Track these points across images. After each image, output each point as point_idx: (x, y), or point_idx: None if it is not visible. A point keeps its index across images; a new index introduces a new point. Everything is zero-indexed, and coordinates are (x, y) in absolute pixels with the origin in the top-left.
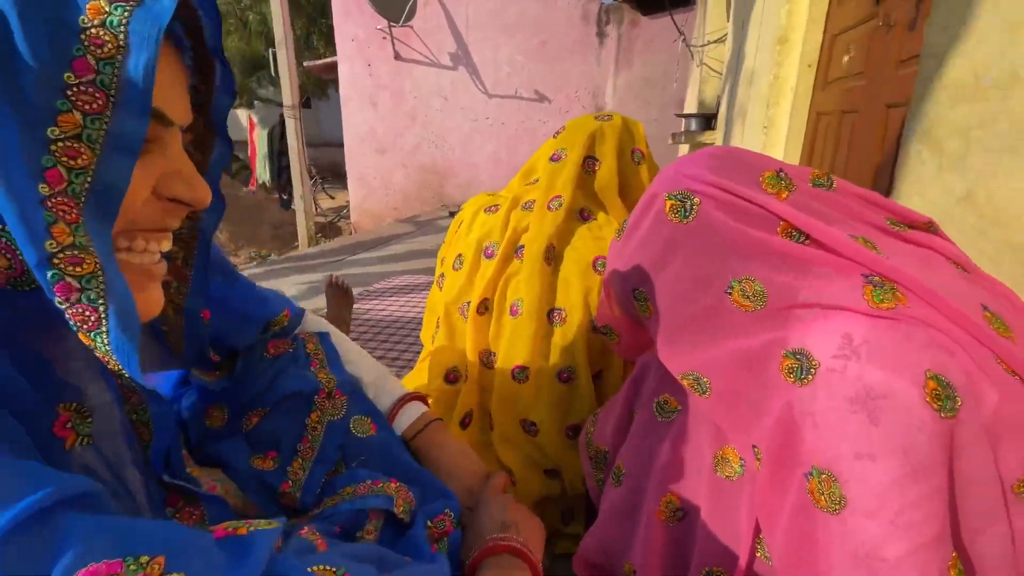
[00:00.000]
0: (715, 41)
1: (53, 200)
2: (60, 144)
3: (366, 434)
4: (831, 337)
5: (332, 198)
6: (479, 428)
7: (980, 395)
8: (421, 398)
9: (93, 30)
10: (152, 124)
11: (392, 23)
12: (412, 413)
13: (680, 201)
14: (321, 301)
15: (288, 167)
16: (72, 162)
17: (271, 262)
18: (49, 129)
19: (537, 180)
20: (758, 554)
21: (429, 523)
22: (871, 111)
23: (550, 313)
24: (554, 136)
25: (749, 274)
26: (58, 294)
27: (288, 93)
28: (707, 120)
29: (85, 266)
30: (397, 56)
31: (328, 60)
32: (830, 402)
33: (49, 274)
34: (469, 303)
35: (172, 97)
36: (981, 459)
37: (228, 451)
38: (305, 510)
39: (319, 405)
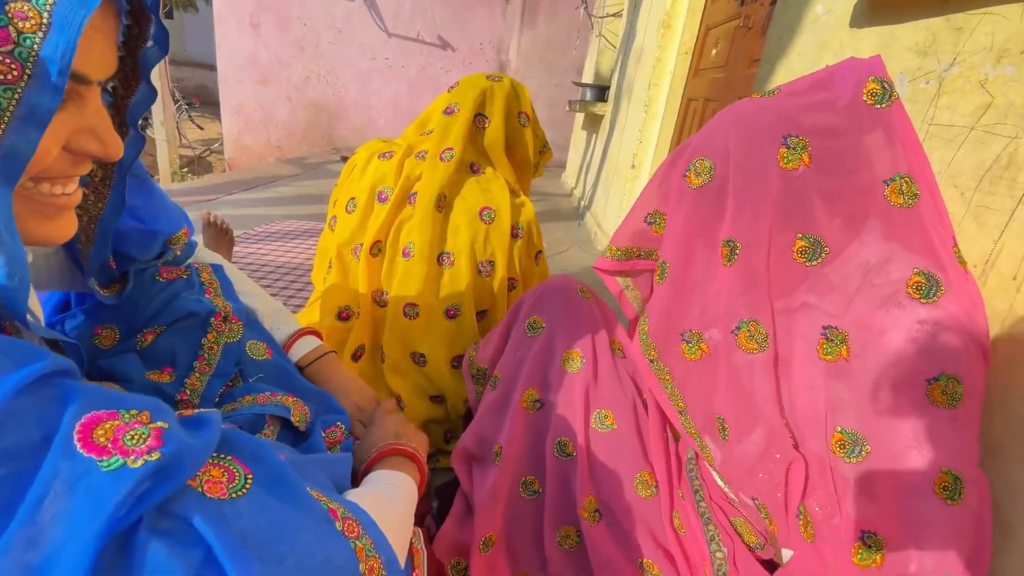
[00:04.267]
0: (613, 15)
1: None
2: None
3: (261, 357)
4: (964, 299)
5: (201, 128)
6: (370, 361)
7: None
8: (316, 333)
9: (18, 4)
10: (72, 83)
11: None
12: (307, 345)
13: (884, 88)
14: None
15: None
16: None
17: None
18: None
19: (431, 131)
20: (592, 425)
21: (323, 432)
22: (727, 102)
23: (440, 256)
24: (449, 90)
25: (911, 174)
26: None
27: None
28: (601, 91)
29: None
30: None
31: None
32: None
33: None
34: (362, 244)
35: (96, 56)
36: None
37: (122, 364)
38: None
39: (215, 327)
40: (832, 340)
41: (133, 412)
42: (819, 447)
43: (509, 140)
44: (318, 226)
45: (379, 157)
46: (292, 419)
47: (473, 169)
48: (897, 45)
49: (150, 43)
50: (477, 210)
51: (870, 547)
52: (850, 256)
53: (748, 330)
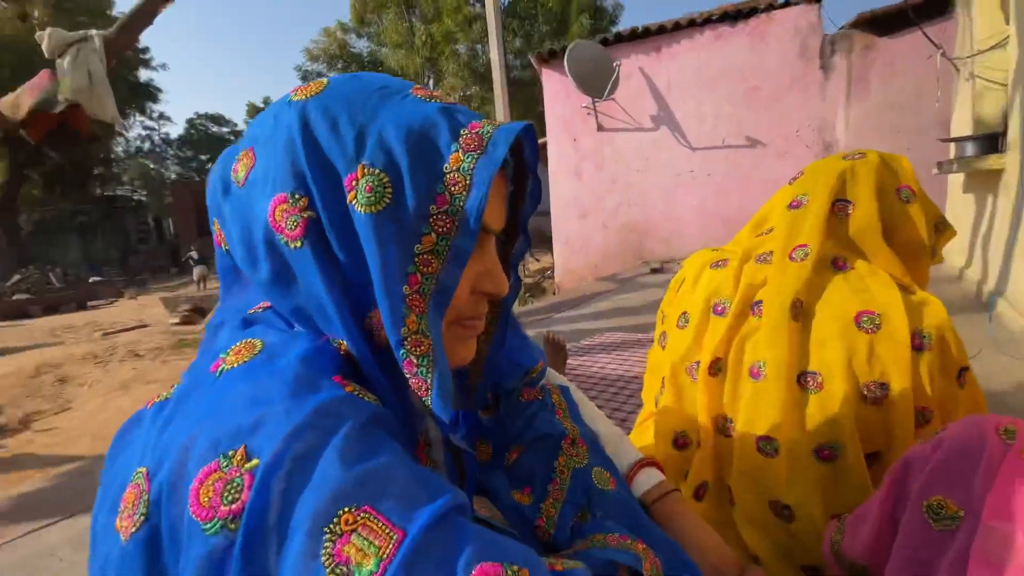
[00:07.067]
0: (989, 48)
1: (411, 297)
2: (420, 256)
3: (606, 487)
4: None
5: (538, 260)
6: (716, 503)
7: None
8: (656, 464)
9: (452, 174)
10: (480, 233)
11: (596, 99)
12: (650, 479)
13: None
14: None
15: None
16: (426, 269)
17: None
18: (416, 246)
19: (771, 230)
20: None
21: None
22: None
23: (801, 377)
24: (790, 183)
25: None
26: (405, 368)
27: None
28: (990, 141)
29: (422, 347)
30: (600, 128)
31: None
32: None
33: (400, 353)
34: (699, 363)
35: (494, 211)
36: None
37: (494, 480)
38: (556, 548)
39: (565, 450)
40: None
41: (515, 568)
42: None
43: (887, 223)
44: (635, 336)
45: (711, 267)
46: (643, 572)
47: (837, 266)
48: None
49: (527, 200)
50: (852, 316)
51: None
52: None
53: None
